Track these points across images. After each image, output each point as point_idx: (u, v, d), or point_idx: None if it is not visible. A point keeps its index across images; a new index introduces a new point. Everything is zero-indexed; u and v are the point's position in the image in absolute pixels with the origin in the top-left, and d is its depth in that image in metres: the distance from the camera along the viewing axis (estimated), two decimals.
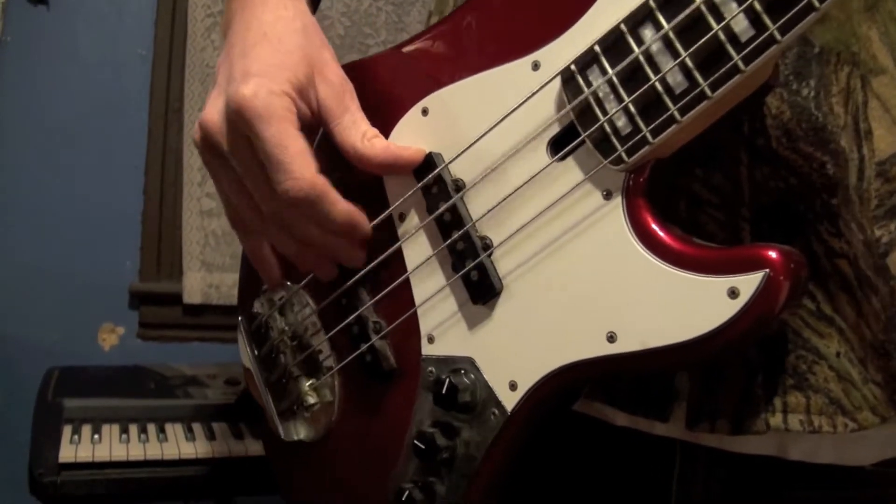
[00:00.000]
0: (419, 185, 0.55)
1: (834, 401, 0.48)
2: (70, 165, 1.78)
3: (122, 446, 1.24)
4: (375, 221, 0.57)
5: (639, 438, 0.56)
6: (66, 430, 1.26)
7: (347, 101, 0.56)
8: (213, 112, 0.54)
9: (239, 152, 0.53)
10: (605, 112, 0.45)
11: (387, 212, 0.57)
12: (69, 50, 1.78)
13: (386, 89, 0.58)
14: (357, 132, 0.55)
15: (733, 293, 0.41)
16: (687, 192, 0.50)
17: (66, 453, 1.19)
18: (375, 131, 0.55)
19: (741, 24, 0.40)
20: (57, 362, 1.51)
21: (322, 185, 0.52)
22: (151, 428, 1.32)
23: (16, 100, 1.75)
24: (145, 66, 1.83)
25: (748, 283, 0.41)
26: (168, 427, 1.33)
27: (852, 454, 0.53)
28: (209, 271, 1.84)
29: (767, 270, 0.41)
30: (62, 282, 1.77)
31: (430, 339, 0.56)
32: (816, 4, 0.38)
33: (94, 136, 1.79)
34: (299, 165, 0.51)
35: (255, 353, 0.68)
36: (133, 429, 1.31)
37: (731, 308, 0.41)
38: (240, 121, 0.52)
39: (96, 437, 1.26)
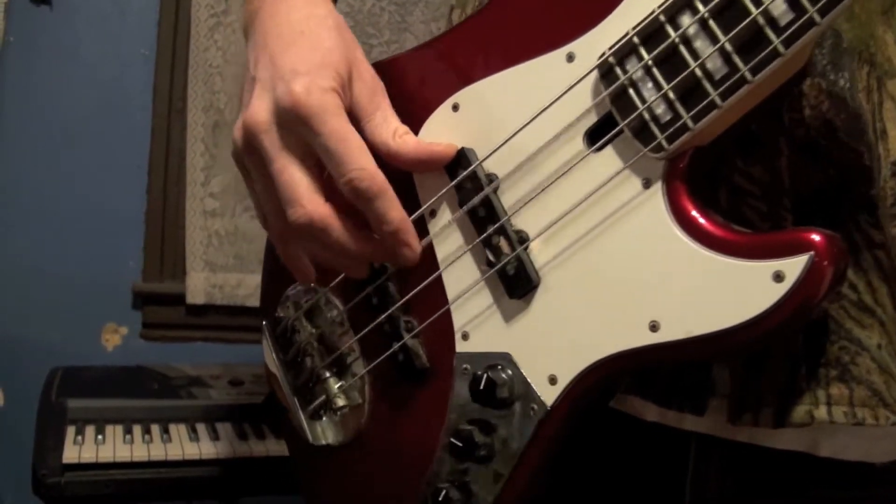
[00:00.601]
0: (452, 182, 0.54)
1: (876, 392, 0.48)
2: (73, 165, 1.77)
3: (126, 447, 1.24)
4: (409, 219, 0.56)
5: (652, 437, 0.56)
6: (70, 431, 1.26)
7: (379, 99, 0.55)
8: (260, 111, 0.52)
9: (289, 151, 0.52)
10: (643, 100, 0.45)
11: (421, 210, 0.56)
12: (72, 50, 1.77)
13: (415, 87, 0.58)
14: (388, 129, 0.54)
15: (778, 277, 0.41)
16: (728, 183, 0.50)
17: (70, 454, 1.18)
18: (406, 128, 0.55)
19: (780, 8, 0.40)
20: (60, 362, 1.51)
21: (383, 180, 0.52)
22: (155, 428, 1.32)
23: (19, 100, 1.74)
24: (148, 66, 1.82)
25: (793, 266, 0.41)
26: (172, 427, 1.33)
27: (882, 450, 0.52)
28: (212, 271, 1.83)
29: (812, 253, 0.41)
30: (65, 282, 1.76)
31: (465, 336, 0.55)
32: None
33: (96, 136, 1.79)
34: (364, 157, 0.51)
35: (281, 356, 0.67)
36: (137, 429, 1.31)
37: (777, 292, 0.41)
38: (294, 119, 0.51)
39: (100, 437, 1.26)
